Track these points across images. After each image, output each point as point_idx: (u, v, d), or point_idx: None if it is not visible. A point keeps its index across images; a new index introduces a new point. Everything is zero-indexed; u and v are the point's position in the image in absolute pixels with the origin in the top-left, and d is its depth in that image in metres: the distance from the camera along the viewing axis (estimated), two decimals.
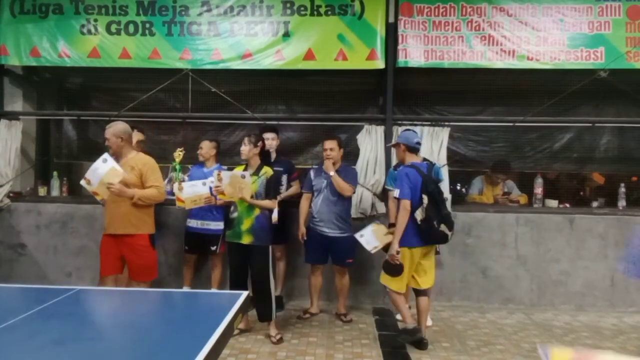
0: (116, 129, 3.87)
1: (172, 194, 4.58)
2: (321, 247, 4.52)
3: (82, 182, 3.79)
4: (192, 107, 5.40)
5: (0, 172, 5.28)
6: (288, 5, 5.16)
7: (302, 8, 5.14)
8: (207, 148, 4.76)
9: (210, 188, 4.56)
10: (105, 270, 3.88)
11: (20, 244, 5.23)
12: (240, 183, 3.81)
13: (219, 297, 2.99)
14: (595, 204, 5.57)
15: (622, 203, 5.29)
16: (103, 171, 3.71)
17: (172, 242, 5.04)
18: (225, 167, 4.93)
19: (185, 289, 4.67)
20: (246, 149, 3.97)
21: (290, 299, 5.04)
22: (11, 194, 5.32)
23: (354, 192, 4.54)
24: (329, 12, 5.12)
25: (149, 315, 2.32)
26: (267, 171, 3.99)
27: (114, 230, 3.83)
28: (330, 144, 4.48)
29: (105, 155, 3.76)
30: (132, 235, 3.82)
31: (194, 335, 1.94)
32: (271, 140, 4.62)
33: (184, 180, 4.59)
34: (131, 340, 1.95)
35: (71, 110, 6.02)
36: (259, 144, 4.00)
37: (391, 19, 5.11)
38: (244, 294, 2.59)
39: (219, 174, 3.97)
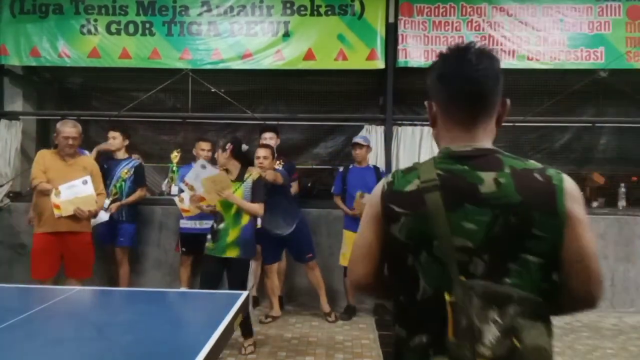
0: (80, 128, 3.86)
1: (173, 195, 4.61)
2: (276, 245, 4.42)
3: (52, 191, 3.69)
4: (192, 107, 5.40)
5: (0, 172, 5.28)
6: (288, 5, 5.15)
7: (302, 8, 5.14)
8: (209, 148, 4.73)
9: None
10: (42, 272, 3.73)
11: (20, 244, 5.22)
12: (214, 184, 3.43)
13: (219, 297, 2.99)
14: (595, 204, 5.56)
15: (622, 203, 5.30)
16: (80, 192, 3.71)
17: (171, 242, 5.03)
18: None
19: (183, 290, 4.67)
20: (218, 155, 3.65)
21: (290, 299, 5.04)
22: (11, 194, 5.32)
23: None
24: (329, 12, 5.12)
25: (149, 315, 2.32)
26: (252, 173, 3.62)
27: (59, 228, 3.74)
28: (263, 152, 4.16)
29: (87, 178, 3.77)
30: (79, 233, 3.81)
31: (194, 335, 1.94)
32: (269, 140, 4.62)
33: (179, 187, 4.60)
34: (131, 340, 1.95)
35: (71, 110, 6.01)
36: (227, 147, 3.57)
37: (391, 19, 5.11)
38: (244, 294, 2.58)
39: (186, 183, 3.69)
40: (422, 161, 1.21)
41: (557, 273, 1.13)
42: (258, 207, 3.56)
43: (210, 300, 2.84)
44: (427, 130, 5.08)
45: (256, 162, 4.08)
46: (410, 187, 1.15)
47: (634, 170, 5.78)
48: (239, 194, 3.49)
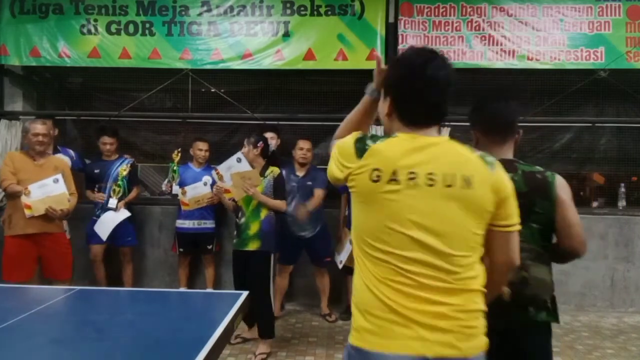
0: (50, 126, 3.87)
1: (173, 194, 4.62)
2: (295, 248, 4.44)
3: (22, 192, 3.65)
4: (192, 107, 5.40)
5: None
6: (288, 5, 5.15)
7: (302, 8, 5.14)
8: (206, 148, 4.74)
9: (212, 187, 4.60)
10: (18, 274, 3.67)
11: None
12: (243, 180, 3.59)
13: (219, 297, 2.99)
14: (595, 204, 5.56)
15: (622, 203, 5.30)
16: (51, 190, 3.67)
17: (171, 242, 5.01)
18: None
19: (183, 290, 4.67)
20: (245, 151, 3.80)
21: (290, 299, 5.03)
22: None
23: (324, 195, 4.39)
24: (329, 12, 5.12)
25: (149, 315, 2.32)
26: (273, 170, 3.78)
27: (34, 230, 3.70)
28: (306, 144, 4.44)
29: (58, 176, 3.74)
30: (54, 234, 3.79)
31: (194, 335, 1.94)
32: (270, 140, 4.62)
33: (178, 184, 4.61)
34: (131, 340, 1.95)
35: (71, 110, 6.02)
36: (259, 145, 3.77)
37: (391, 19, 5.11)
38: (244, 293, 2.58)
39: (217, 172, 3.85)
40: None
41: (554, 235, 1.83)
42: (281, 204, 3.73)
43: (210, 300, 2.84)
44: None
45: (299, 153, 4.39)
46: None
47: (634, 170, 5.78)
48: (259, 189, 3.65)
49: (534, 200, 1.76)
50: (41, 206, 3.67)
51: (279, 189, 3.74)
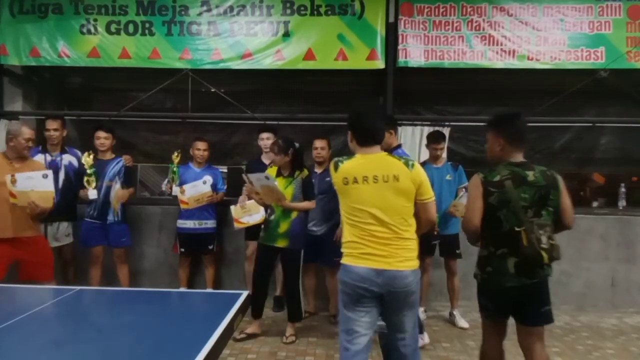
0: (31, 128, 3.79)
1: (173, 195, 4.62)
2: (310, 247, 4.41)
3: (7, 178, 3.50)
4: (192, 107, 5.40)
5: None
6: (288, 5, 5.15)
7: (302, 8, 5.14)
8: (205, 147, 4.74)
9: (215, 187, 4.64)
10: None
11: None
12: (272, 192, 3.73)
13: (219, 297, 2.99)
14: (595, 204, 5.56)
15: (622, 203, 5.30)
16: (38, 185, 3.56)
17: (171, 242, 5.01)
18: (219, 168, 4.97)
19: (183, 290, 4.66)
20: (277, 158, 3.90)
21: None
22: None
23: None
24: (329, 12, 5.12)
25: (149, 315, 2.32)
26: (302, 172, 3.97)
27: (11, 234, 3.58)
28: (320, 143, 4.52)
29: (47, 172, 3.66)
30: (33, 237, 3.69)
31: (194, 335, 1.94)
32: (266, 140, 4.62)
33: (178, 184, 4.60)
34: (131, 340, 1.95)
35: (71, 110, 6.01)
36: (289, 152, 3.88)
37: (391, 19, 5.11)
38: (244, 294, 2.58)
39: (247, 177, 3.86)
40: (497, 167, 2.53)
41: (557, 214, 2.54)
42: (310, 204, 3.95)
43: (210, 300, 2.84)
44: (427, 130, 5.08)
45: (314, 152, 4.54)
46: (496, 178, 2.47)
47: (635, 170, 5.77)
48: (290, 190, 3.88)
49: (549, 191, 2.46)
50: (25, 198, 3.54)
51: (307, 189, 3.93)
